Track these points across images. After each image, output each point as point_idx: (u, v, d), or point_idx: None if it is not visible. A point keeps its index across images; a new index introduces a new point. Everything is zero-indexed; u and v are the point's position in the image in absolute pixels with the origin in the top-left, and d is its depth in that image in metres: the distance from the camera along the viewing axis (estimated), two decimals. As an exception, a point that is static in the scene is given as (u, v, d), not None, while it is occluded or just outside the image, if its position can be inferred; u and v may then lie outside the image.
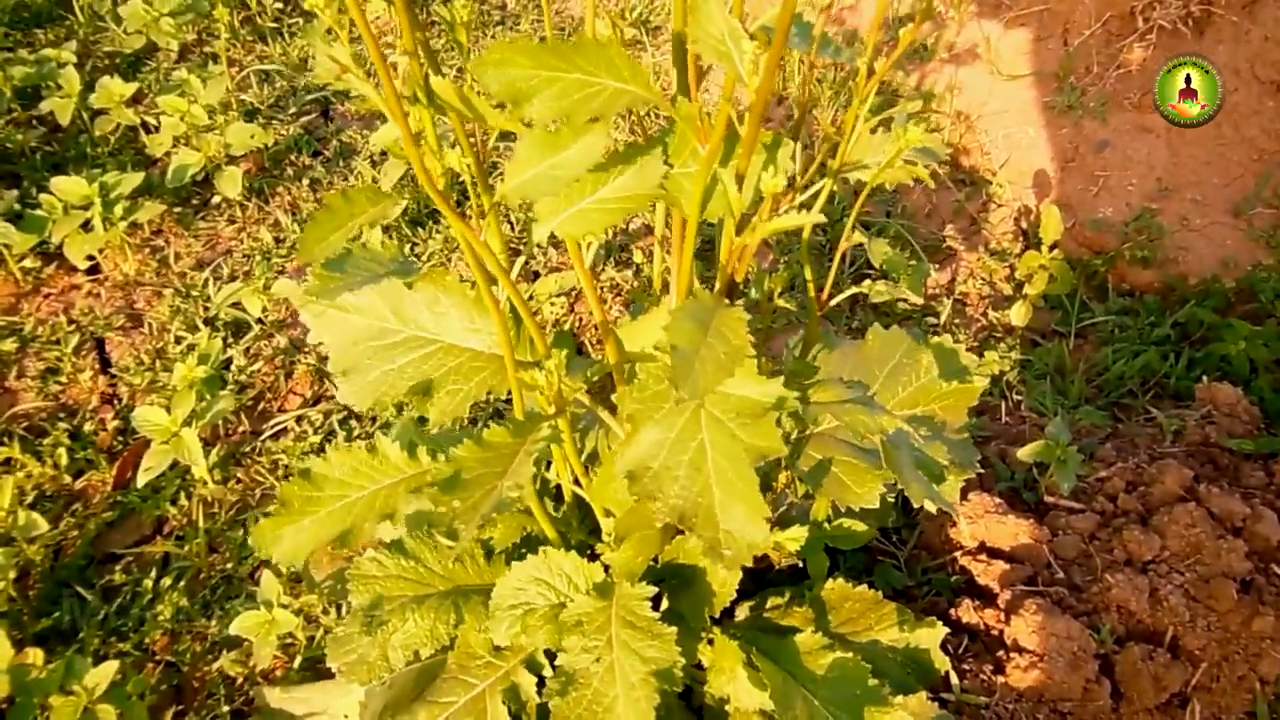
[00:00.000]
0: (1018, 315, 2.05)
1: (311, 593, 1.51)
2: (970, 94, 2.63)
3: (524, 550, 1.13)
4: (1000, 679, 1.26)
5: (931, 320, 2.16)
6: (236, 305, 2.12)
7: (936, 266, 2.28)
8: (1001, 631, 1.31)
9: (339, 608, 1.55)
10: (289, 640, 1.52)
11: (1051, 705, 1.23)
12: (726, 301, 0.72)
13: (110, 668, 1.33)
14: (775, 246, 2.36)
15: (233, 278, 2.23)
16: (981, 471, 1.65)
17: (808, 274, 0.96)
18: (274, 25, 3.03)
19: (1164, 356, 1.90)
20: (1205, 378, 1.78)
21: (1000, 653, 1.29)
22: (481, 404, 1.96)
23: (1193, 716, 1.25)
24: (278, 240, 2.35)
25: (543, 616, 1.07)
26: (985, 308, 2.19)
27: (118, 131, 2.55)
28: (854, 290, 0.98)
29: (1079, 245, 2.25)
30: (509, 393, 0.98)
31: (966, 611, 1.36)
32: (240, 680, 1.52)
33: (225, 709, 1.48)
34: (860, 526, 1.31)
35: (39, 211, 2.14)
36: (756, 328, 1.03)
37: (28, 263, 2.21)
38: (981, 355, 2.01)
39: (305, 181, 2.51)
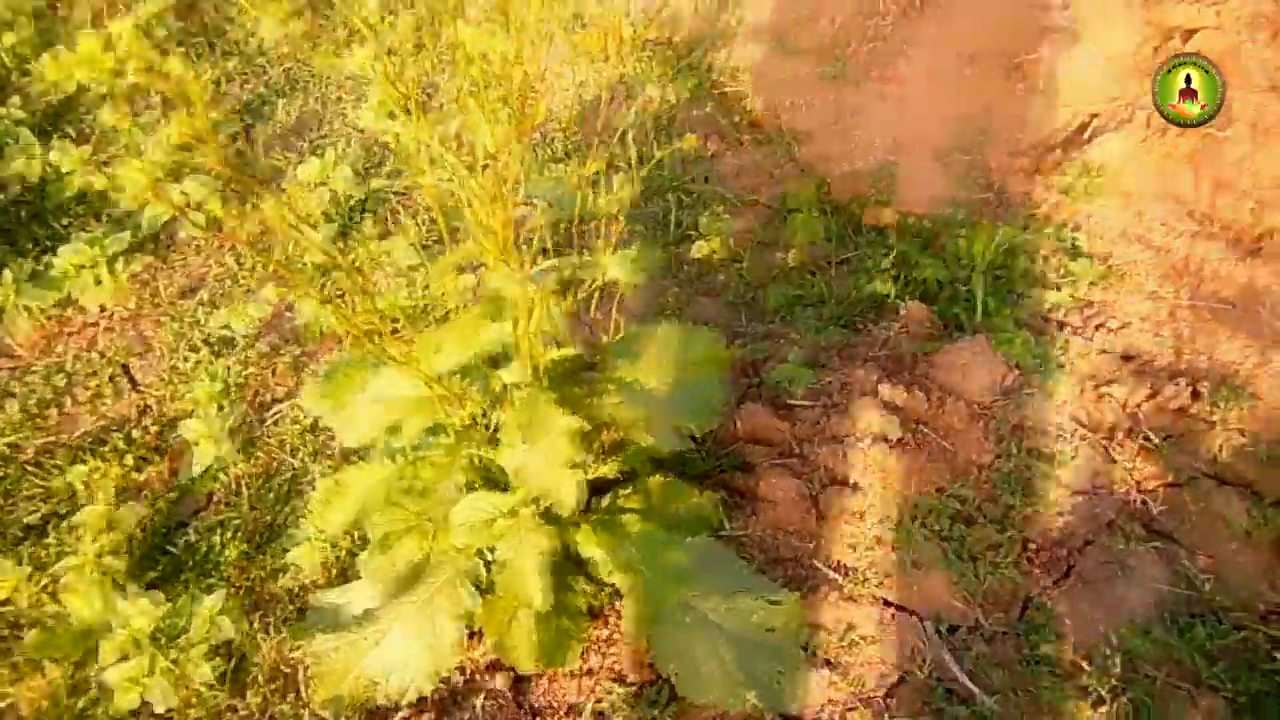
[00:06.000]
0: (793, 258, 2.87)
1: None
2: (763, 66, 3.34)
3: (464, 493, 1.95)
4: (754, 519, 2.15)
5: (737, 264, 2.96)
6: (224, 326, 2.82)
7: (738, 225, 3.06)
8: (757, 491, 2.20)
9: (353, 537, 2.37)
10: (326, 561, 2.34)
11: (783, 530, 2.13)
12: (547, 390, 1.51)
13: (222, 593, 2.14)
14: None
15: (213, 302, 2.92)
16: (760, 383, 2.52)
17: (570, 348, 1.74)
18: (181, 51, 3.55)
19: (886, 280, 2.75)
20: (908, 298, 2.64)
21: (755, 504, 2.18)
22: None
23: (869, 505, 2.17)
24: (239, 263, 3.02)
25: (482, 528, 1.90)
26: (776, 250, 3.00)
27: (83, 188, 3.14)
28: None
29: (843, 192, 3.05)
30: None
31: (737, 481, 2.24)
32: (296, 590, 2.35)
33: (291, 608, 2.31)
34: (673, 443, 2.14)
35: (54, 273, 2.78)
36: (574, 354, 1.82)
37: (50, 310, 2.86)
38: (768, 290, 2.83)
39: (249, 205, 3.14)
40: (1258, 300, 2.51)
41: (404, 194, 3.23)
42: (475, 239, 1.38)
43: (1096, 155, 2.80)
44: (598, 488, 2.09)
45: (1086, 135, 2.85)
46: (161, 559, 2.44)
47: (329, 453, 2.59)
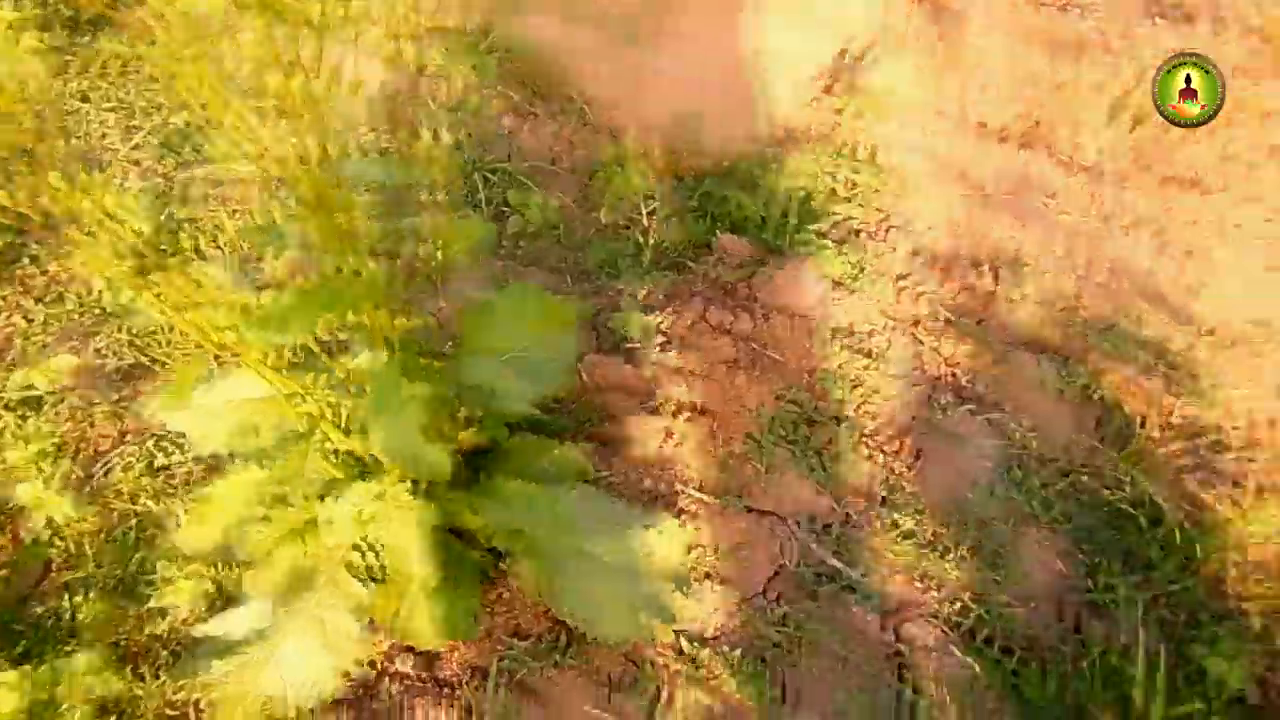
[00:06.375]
0: (605, 216, 2.97)
1: (199, 561, 2.23)
2: (552, 39, 3.40)
3: (329, 489, 1.93)
4: (619, 461, 2.25)
5: (555, 231, 3.03)
6: (27, 387, 2.62)
7: (548, 194, 3.13)
8: (618, 435, 2.30)
9: (220, 565, 2.28)
10: (195, 597, 2.24)
11: (648, 465, 2.24)
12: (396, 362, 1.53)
13: (87, 655, 2.02)
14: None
15: (7, 365, 2.70)
16: (599, 335, 2.61)
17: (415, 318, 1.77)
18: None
19: (697, 220, 2.90)
20: (719, 232, 2.80)
21: (618, 447, 2.28)
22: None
23: (718, 424, 2.31)
24: (29, 320, 2.81)
25: (355, 520, 1.89)
26: (590, 211, 3.09)
27: None
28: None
29: (644, 146, 3.17)
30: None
31: (597, 429, 2.32)
32: (167, 633, 2.24)
33: (164, 653, 2.21)
34: (524, 406, 2.20)
35: None
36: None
37: None
38: (589, 250, 2.93)
39: (26, 260, 2.93)
40: (1016, 182, 2.83)
41: (195, 221, 3.09)
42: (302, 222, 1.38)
43: (864, 77, 3.05)
44: (465, 460, 2.12)
45: (850, 60, 3.10)
46: (12, 637, 2.27)
47: (171, 492, 2.48)
